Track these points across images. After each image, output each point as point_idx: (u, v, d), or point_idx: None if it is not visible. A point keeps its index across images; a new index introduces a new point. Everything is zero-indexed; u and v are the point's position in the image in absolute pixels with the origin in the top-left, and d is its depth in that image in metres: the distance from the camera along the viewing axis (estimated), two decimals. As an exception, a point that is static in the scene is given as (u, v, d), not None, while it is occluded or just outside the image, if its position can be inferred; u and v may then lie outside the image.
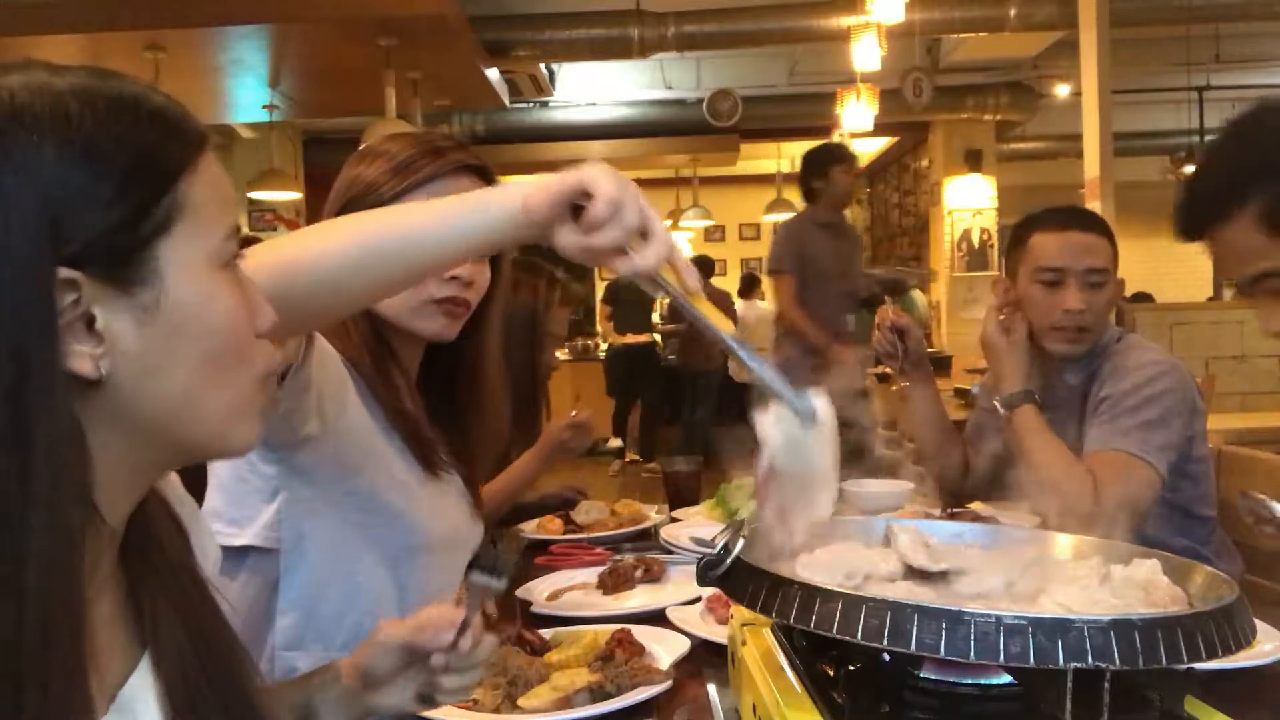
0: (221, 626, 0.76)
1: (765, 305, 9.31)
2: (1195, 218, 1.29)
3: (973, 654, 0.70)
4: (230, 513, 1.27)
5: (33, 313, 0.59)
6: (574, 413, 2.17)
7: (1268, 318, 1.28)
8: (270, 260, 0.91)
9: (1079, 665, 0.69)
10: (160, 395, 0.65)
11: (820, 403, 0.89)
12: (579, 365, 9.84)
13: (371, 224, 0.96)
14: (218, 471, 1.27)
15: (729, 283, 9.50)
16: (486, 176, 1.39)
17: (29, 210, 0.59)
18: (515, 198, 0.87)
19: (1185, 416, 1.80)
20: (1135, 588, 0.87)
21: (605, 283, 10.03)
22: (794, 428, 0.88)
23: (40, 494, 0.58)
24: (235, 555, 1.27)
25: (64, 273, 0.60)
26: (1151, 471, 1.72)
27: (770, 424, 0.89)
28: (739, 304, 9.25)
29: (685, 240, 11.32)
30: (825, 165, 4.69)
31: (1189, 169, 8.36)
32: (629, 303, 8.40)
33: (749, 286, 9.36)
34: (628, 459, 8.86)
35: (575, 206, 0.86)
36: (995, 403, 1.85)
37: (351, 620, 1.30)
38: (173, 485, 0.82)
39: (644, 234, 0.86)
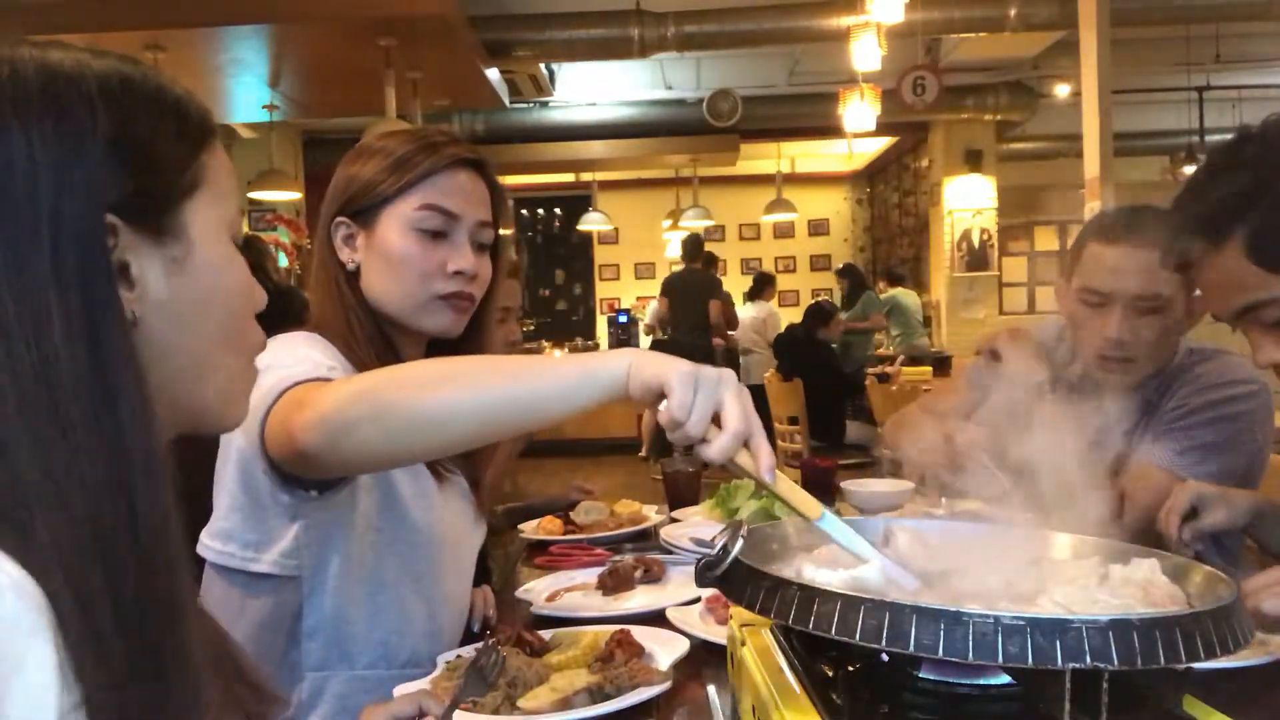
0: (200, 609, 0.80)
1: (771, 305, 9.28)
2: (1182, 249, 1.27)
3: (971, 654, 0.70)
4: (247, 535, 1.26)
5: (97, 254, 0.62)
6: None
7: (1261, 350, 1.25)
8: (388, 399, 0.97)
9: (1077, 665, 0.69)
10: (183, 350, 0.70)
11: (918, 584, 0.89)
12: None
13: (497, 384, 0.98)
14: (234, 493, 1.25)
15: (729, 283, 9.47)
16: (483, 170, 1.39)
17: (97, 158, 0.63)
18: (623, 372, 0.93)
19: (1253, 445, 1.65)
20: (1134, 587, 0.87)
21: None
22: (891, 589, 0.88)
23: (130, 422, 0.61)
24: (254, 578, 1.26)
25: (108, 218, 0.64)
26: None
27: (868, 581, 0.89)
28: (748, 306, 9.21)
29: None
30: None
31: (1189, 169, 8.44)
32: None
33: (760, 286, 9.30)
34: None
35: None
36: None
37: (378, 639, 1.29)
38: None
39: (718, 423, 0.90)
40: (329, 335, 1.29)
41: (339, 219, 1.35)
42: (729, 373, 0.92)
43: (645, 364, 0.92)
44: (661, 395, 0.91)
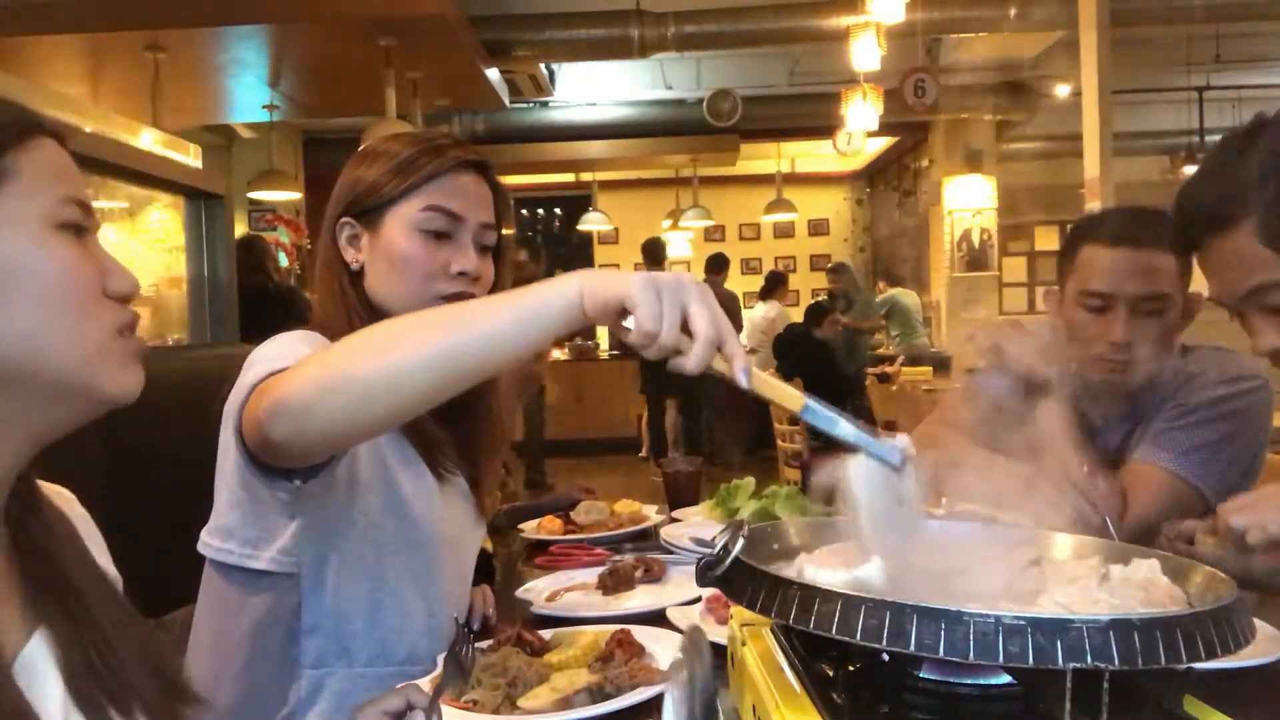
0: (119, 604, 0.82)
1: (781, 305, 9.24)
2: (1191, 229, 1.26)
3: (972, 654, 0.70)
4: (246, 532, 1.26)
5: None
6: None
7: (1261, 336, 1.24)
8: (340, 371, 0.96)
9: (1078, 665, 0.69)
10: (5, 334, 0.72)
11: (905, 447, 0.90)
12: (580, 365, 9.83)
13: (447, 333, 0.95)
14: (234, 489, 1.25)
15: (730, 283, 9.45)
16: (486, 172, 1.40)
17: None
18: (575, 295, 0.90)
19: (1256, 442, 1.64)
20: (1134, 587, 0.87)
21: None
22: (882, 476, 0.89)
23: None
24: (254, 575, 1.26)
25: None
26: (1196, 498, 1.58)
27: (859, 475, 0.90)
28: (759, 305, 9.18)
29: (685, 240, 11.29)
30: None
31: (1189, 169, 8.44)
32: None
33: (772, 286, 9.28)
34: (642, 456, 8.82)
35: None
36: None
37: (377, 637, 1.29)
38: (67, 501, 0.88)
39: (689, 333, 0.87)
40: (331, 335, 1.29)
41: (343, 219, 1.37)
42: (686, 274, 0.90)
43: (599, 282, 0.89)
44: (622, 313, 0.88)
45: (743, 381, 0.88)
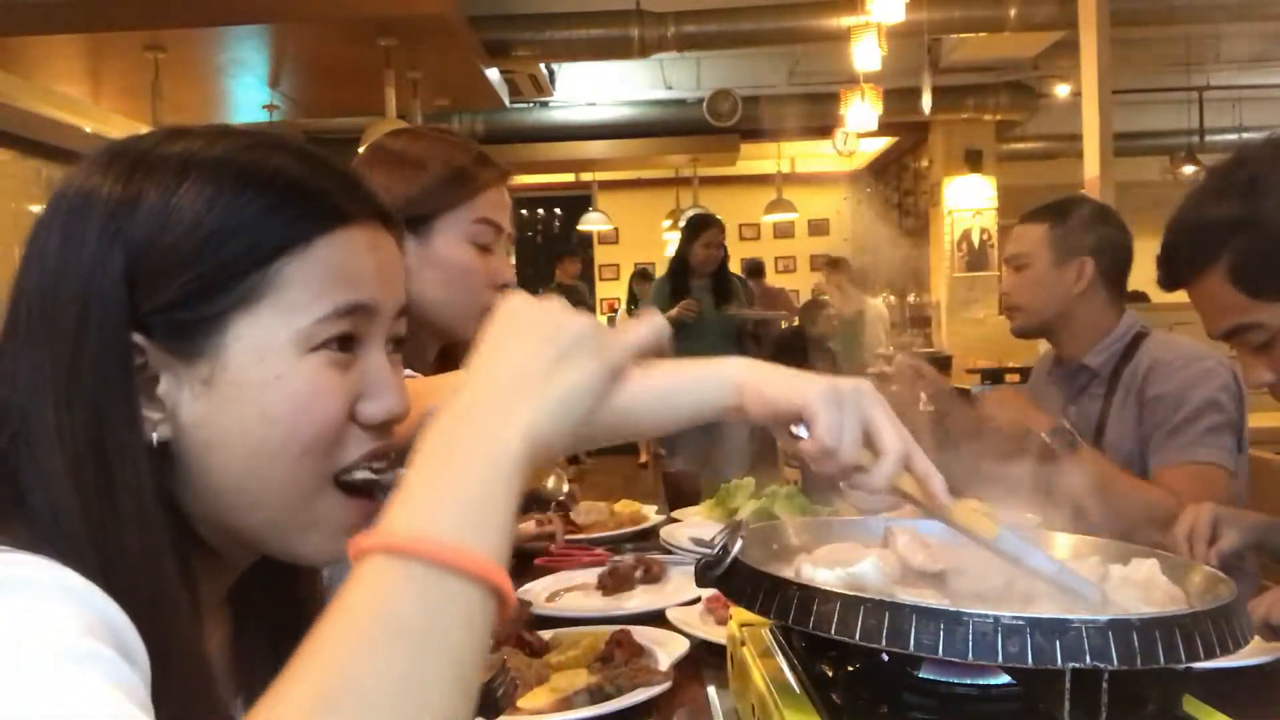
0: None
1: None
2: (1172, 270, 1.33)
3: (971, 654, 0.70)
4: None
5: (113, 370, 0.60)
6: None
7: (1250, 370, 1.31)
8: None
9: (1077, 665, 0.69)
10: (220, 474, 0.63)
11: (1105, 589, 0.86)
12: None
13: None
14: None
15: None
16: (508, 180, 1.42)
17: (114, 272, 0.60)
18: (731, 387, 0.74)
19: (1238, 410, 1.84)
20: (1134, 587, 0.87)
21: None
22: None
23: (128, 526, 0.59)
24: None
25: (134, 337, 0.61)
26: (1225, 475, 1.77)
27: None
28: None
29: (685, 240, 11.29)
30: None
31: (1189, 169, 8.38)
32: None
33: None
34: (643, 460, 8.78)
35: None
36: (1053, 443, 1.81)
37: None
38: None
39: (872, 448, 0.75)
40: None
41: None
42: (866, 383, 0.77)
43: (768, 379, 0.74)
44: (792, 420, 0.75)
45: (942, 498, 0.76)
